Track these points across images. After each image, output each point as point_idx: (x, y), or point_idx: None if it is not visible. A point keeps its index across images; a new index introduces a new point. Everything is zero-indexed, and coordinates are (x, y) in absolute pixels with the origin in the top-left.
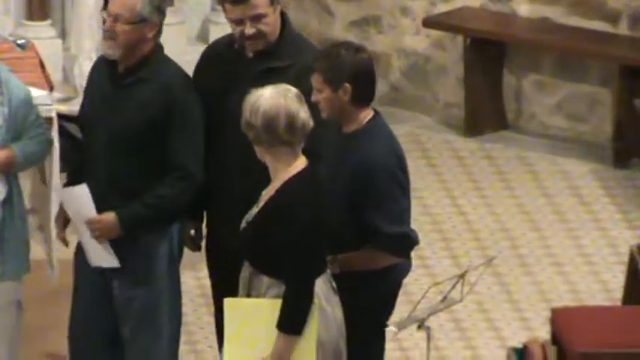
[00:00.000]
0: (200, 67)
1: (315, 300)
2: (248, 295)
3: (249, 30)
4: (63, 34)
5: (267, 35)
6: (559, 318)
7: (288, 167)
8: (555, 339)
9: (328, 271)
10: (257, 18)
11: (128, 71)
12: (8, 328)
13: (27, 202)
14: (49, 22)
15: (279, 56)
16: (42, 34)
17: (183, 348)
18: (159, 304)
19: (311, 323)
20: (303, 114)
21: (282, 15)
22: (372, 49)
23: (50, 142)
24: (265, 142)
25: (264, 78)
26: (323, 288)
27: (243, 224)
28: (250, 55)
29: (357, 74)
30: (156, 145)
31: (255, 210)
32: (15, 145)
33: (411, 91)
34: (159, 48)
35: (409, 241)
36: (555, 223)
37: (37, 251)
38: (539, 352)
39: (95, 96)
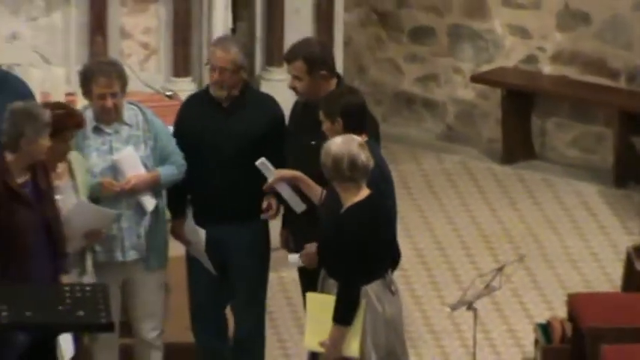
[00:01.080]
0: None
1: (363, 300)
2: (322, 292)
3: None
4: (200, 87)
5: None
6: (574, 301)
7: (353, 197)
8: (571, 317)
9: (388, 277)
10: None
11: (232, 103)
12: (157, 305)
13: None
14: (190, 78)
15: None
16: (185, 88)
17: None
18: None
19: (358, 317)
20: (364, 157)
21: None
22: (432, 98)
23: (185, 166)
24: (335, 179)
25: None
26: (376, 290)
27: (322, 237)
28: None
29: (346, 111)
30: (255, 158)
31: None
32: (160, 169)
33: (461, 130)
34: (247, 83)
35: None
36: (571, 229)
37: (173, 248)
38: (559, 327)
39: (198, 126)
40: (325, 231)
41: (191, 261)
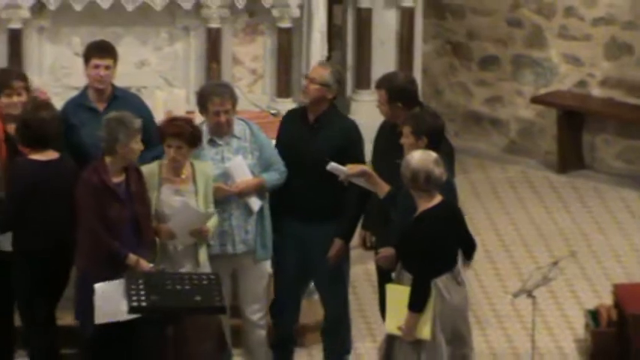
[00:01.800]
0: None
1: (434, 290)
2: (398, 283)
3: None
4: None
5: None
6: (619, 291)
7: (426, 204)
8: (616, 304)
9: (455, 270)
10: None
11: (317, 120)
12: (262, 291)
13: None
14: (291, 99)
15: None
16: (286, 107)
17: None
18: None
19: (429, 306)
20: (437, 172)
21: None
22: (498, 117)
23: (286, 172)
24: (412, 188)
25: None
26: (444, 282)
27: (399, 237)
28: None
29: (432, 131)
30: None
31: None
32: (264, 175)
33: (523, 145)
34: (334, 105)
35: None
36: (616, 229)
37: None
38: (606, 313)
39: (289, 137)
40: (402, 232)
41: (277, 257)
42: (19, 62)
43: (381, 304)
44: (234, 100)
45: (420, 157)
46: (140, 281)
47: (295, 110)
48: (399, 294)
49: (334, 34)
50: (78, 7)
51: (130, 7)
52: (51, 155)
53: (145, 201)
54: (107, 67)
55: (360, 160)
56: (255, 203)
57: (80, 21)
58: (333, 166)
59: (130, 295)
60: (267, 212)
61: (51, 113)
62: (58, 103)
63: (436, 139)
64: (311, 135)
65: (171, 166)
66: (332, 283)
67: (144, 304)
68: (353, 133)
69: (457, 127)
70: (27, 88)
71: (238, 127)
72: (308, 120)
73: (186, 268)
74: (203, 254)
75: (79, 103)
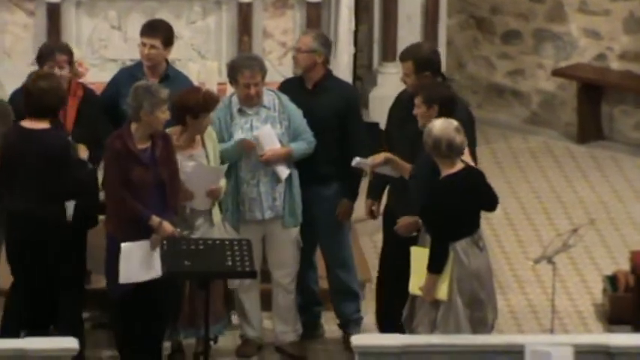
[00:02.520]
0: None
1: (452, 253)
2: (421, 245)
3: None
4: None
5: None
6: (636, 257)
7: (448, 169)
8: (633, 270)
9: (476, 235)
10: None
11: (315, 87)
12: (291, 256)
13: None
14: None
15: None
16: None
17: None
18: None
19: (446, 268)
20: (459, 139)
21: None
22: (519, 89)
23: (314, 142)
24: (434, 155)
25: None
26: (464, 246)
27: (421, 200)
28: None
29: (443, 100)
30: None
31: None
32: (292, 144)
33: (543, 116)
34: (329, 71)
35: None
36: (633, 197)
37: None
38: (623, 278)
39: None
40: (424, 196)
41: None
42: (57, 35)
43: (382, 273)
44: (263, 72)
45: (441, 125)
46: (174, 246)
47: (292, 79)
48: (421, 256)
49: (361, 8)
50: None
51: None
52: (41, 125)
53: (170, 166)
54: (152, 47)
55: (360, 123)
56: (283, 172)
57: None
58: (357, 161)
59: (164, 260)
60: (295, 181)
61: (50, 84)
62: (96, 75)
63: (447, 107)
64: (311, 101)
65: (190, 136)
66: (336, 234)
67: (178, 268)
68: (352, 97)
69: (480, 99)
70: (70, 62)
71: (268, 98)
72: (306, 87)
73: (202, 230)
74: (217, 215)
75: (132, 74)
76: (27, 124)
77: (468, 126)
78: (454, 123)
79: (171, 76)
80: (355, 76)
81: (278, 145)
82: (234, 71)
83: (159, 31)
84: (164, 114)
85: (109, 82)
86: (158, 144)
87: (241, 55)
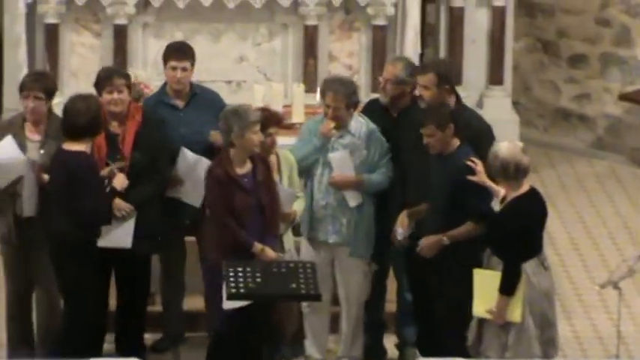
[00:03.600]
0: None
1: (523, 275)
2: (487, 268)
3: None
4: None
5: None
6: None
7: (515, 192)
8: None
9: (542, 255)
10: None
11: (400, 113)
12: (361, 286)
13: None
14: None
15: None
16: None
17: None
18: None
19: (519, 289)
20: (525, 160)
21: None
22: (585, 113)
23: (391, 178)
24: (500, 177)
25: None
26: (532, 266)
27: (489, 223)
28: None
29: (454, 117)
30: None
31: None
32: (367, 175)
33: (609, 140)
34: (415, 98)
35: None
36: None
37: None
38: None
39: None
40: (492, 219)
41: None
42: (123, 56)
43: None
44: (348, 99)
45: (508, 148)
46: (238, 268)
47: (376, 101)
48: (487, 278)
49: (427, 32)
50: (181, 5)
51: (231, 5)
52: (77, 147)
53: (270, 190)
54: (184, 69)
55: None
56: (352, 198)
57: (182, 17)
58: (400, 237)
59: (228, 282)
60: (368, 212)
61: (87, 106)
62: None
63: (458, 122)
64: (395, 127)
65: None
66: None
67: (242, 290)
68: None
69: (546, 123)
70: (128, 86)
71: (355, 124)
72: (391, 113)
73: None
74: (289, 241)
75: (158, 99)
76: (65, 145)
77: (491, 136)
78: (519, 144)
79: (198, 94)
80: None
81: (351, 172)
82: (322, 91)
83: (188, 54)
84: (256, 135)
85: None
86: (259, 168)
87: (334, 76)
